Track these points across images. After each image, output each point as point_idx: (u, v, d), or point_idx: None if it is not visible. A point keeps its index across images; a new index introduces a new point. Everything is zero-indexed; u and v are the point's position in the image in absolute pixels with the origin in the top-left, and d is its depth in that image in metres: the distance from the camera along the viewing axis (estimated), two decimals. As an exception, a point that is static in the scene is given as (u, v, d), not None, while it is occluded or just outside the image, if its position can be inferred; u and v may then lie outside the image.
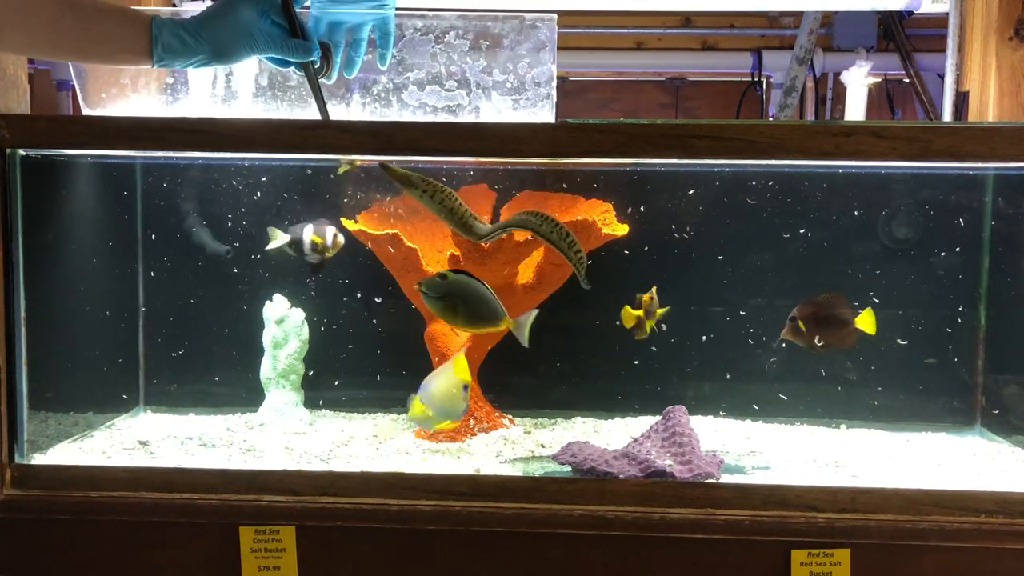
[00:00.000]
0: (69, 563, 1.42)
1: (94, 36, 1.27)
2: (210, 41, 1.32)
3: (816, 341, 1.54)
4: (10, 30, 1.22)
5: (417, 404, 1.55)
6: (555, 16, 1.51)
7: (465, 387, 1.58)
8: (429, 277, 1.49)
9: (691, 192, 1.84)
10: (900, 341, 1.80)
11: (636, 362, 1.87)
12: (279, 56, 1.38)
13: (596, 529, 1.38)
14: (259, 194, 1.87)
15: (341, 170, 1.51)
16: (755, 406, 1.86)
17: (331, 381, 1.91)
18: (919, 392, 1.84)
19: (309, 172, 1.86)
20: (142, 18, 1.30)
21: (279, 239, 1.70)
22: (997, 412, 1.78)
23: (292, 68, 1.41)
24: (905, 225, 1.82)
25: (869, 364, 1.84)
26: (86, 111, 1.60)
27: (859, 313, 1.57)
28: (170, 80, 1.60)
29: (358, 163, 1.51)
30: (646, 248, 1.83)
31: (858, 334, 1.58)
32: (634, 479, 1.43)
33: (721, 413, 1.86)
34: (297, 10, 1.44)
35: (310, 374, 1.84)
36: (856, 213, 1.82)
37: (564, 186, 1.78)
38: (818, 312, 1.54)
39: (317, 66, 1.43)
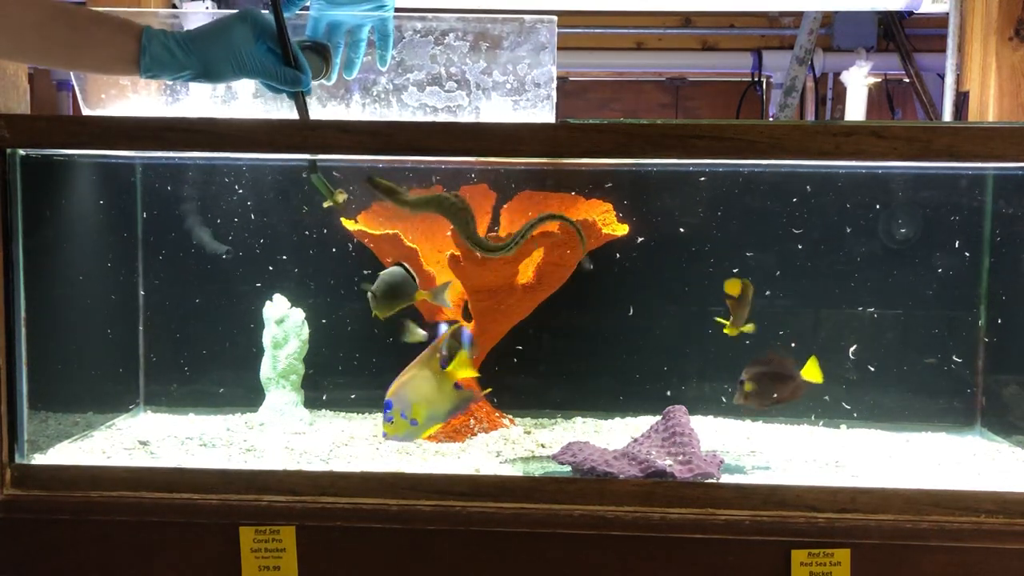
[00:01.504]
0: (69, 563, 1.42)
1: (85, 43, 1.27)
2: (200, 58, 1.31)
3: (767, 400, 1.54)
4: (0, 36, 1.22)
5: (398, 420, 1.51)
6: (555, 18, 1.51)
7: (457, 385, 1.56)
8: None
9: (691, 192, 1.84)
10: (955, 360, 1.81)
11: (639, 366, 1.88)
12: (268, 83, 1.38)
13: (596, 529, 1.38)
14: (259, 194, 1.87)
15: (326, 204, 1.51)
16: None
17: (331, 381, 1.91)
18: (919, 392, 1.84)
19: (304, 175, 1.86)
20: (134, 28, 1.29)
21: (415, 334, 1.67)
22: (997, 412, 1.79)
23: (284, 94, 1.41)
24: (905, 225, 1.82)
25: (869, 364, 1.84)
26: (86, 111, 1.60)
27: (802, 365, 1.56)
28: (169, 81, 1.60)
29: (340, 201, 1.51)
30: (646, 248, 1.83)
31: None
32: (634, 479, 1.43)
33: (757, 419, 1.86)
34: (297, 12, 1.44)
35: (310, 372, 1.84)
36: (856, 213, 1.82)
37: (592, 188, 1.78)
38: (766, 373, 1.54)
39: (318, 81, 1.43)
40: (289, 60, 1.37)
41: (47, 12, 1.24)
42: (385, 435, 1.51)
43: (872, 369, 1.84)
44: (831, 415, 1.85)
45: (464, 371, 1.54)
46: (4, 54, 1.31)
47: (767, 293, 1.84)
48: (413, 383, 1.50)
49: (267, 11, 1.37)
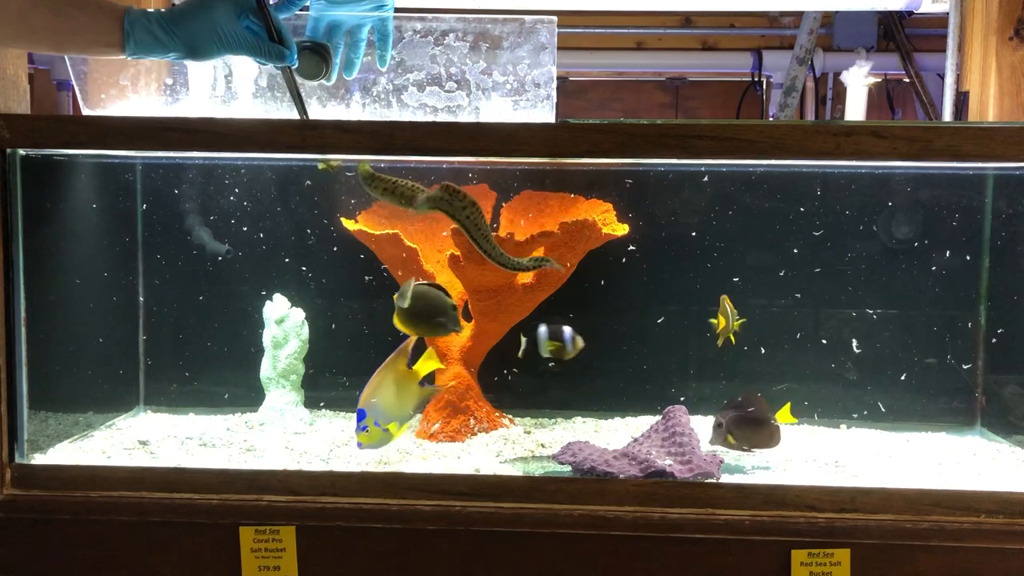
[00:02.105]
0: (69, 563, 1.42)
1: (68, 29, 1.28)
2: (183, 39, 1.32)
3: (744, 446, 1.55)
4: None
5: (372, 429, 1.51)
6: (555, 19, 1.51)
7: (422, 382, 1.57)
8: None
9: (692, 192, 1.84)
10: (955, 360, 1.81)
11: (643, 365, 1.88)
12: (254, 58, 1.38)
13: (596, 529, 1.38)
14: (258, 194, 1.87)
15: (321, 167, 1.53)
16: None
17: (331, 381, 1.91)
18: (919, 392, 1.84)
19: (304, 175, 1.86)
20: (116, 11, 1.30)
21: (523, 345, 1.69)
22: (997, 412, 1.79)
23: (272, 67, 1.42)
24: (905, 225, 1.82)
25: (869, 364, 1.84)
26: (86, 111, 1.60)
27: (778, 410, 1.57)
28: (169, 81, 1.60)
29: (334, 164, 1.53)
30: (646, 248, 1.83)
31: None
32: (634, 479, 1.43)
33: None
34: (297, 12, 1.44)
35: (310, 372, 1.84)
36: (856, 214, 1.82)
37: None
38: (742, 416, 1.55)
39: (318, 81, 1.44)
40: (272, 35, 1.37)
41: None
42: (360, 445, 1.52)
43: (893, 372, 1.84)
44: (830, 415, 1.86)
45: (429, 366, 1.55)
46: None
47: (767, 294, 1.84)
48: (381, 389, 1.52)
49: None
